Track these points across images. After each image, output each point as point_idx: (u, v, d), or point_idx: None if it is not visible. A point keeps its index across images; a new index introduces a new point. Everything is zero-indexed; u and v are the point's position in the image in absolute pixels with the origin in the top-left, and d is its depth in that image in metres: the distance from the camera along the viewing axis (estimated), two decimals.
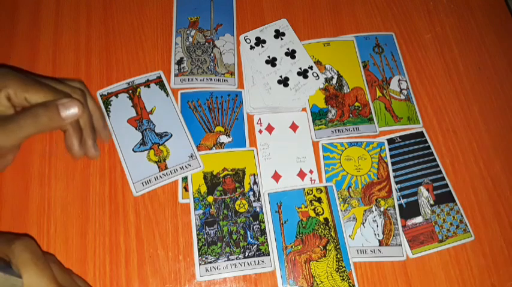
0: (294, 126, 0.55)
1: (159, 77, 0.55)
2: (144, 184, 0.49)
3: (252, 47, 0.57)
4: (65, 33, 0.57)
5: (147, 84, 0.54)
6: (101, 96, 0.53)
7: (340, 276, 0.47)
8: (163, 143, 0.51)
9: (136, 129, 0.52)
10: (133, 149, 0.51)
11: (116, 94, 0.53)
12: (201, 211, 0.49)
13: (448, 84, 0.60)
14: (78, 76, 0.55)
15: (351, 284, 0.47)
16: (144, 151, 0.51)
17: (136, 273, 0.46)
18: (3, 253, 0.37)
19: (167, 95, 0.54)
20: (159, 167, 0.50)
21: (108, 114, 0.52)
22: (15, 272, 0.36)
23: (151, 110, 0.53)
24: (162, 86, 0.54)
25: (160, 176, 0.50)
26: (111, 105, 0.53)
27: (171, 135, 0.52)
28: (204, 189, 0.50)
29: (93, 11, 0.59)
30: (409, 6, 0.64)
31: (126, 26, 0.59)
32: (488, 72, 0.61)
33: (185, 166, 0.50)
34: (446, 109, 0.58)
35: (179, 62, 0.56)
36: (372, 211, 0.51)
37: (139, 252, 0.48)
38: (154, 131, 0.52)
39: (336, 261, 0.47)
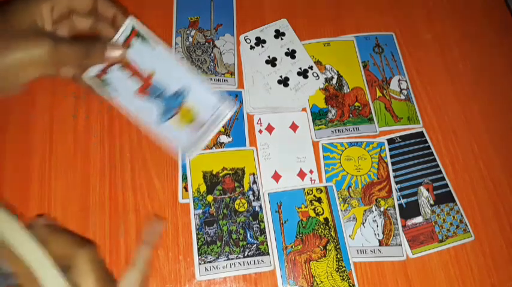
0: (294, 126, 0.55)
1: (134, 29, 0.45)
2: (192, 147, 0.46)
3: (252, 47, 0.57)
4: None
5: (127, 44, 0.44)
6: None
7: (340, 276, 0.47)
8: (185, 101, 0.46)
9: (149, 98, 0.45)
10: (161, 121, 0.46)
11: (105, 70, 0.45)
12: (200, 211, 0.49)
13: (448, 84, 0.60)
14: None
15: (351, 284, 0.47)
16: (171, 117, 0.46)
17: None
18: (65, 253, 0.37)
19: (153, 48, 0.45)
20: (195, 126, 0.46)
21: (113, 96, 0.45)
22: (71, 279, 0.36)
23: (150, 74, 0.45)
24: (143, 39, 0.45)
25: (202, 134, 0.46)
26: (109, 85, 0.45)
27: (187, 89, 0.46)
28: (203, 188, 0.50)
29: None
30: (409, 6, 0.64)
31: None
32: (488, 72, 0.61)
33: (218, 113, 0.46)
34: (446, 109, 0.58)
35: None
36: (372, 211, 0.51)
37: None
38: (167, 94, 0.46)
39: (336, 261, 0.47)
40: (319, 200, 0.50)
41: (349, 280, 0.47)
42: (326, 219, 0.49)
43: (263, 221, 0.49)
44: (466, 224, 0.52)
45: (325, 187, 0.51)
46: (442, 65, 0.61)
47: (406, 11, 0.64)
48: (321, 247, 0.48)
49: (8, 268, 0.35)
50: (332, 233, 0.49)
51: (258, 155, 0.52)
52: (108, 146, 0.52)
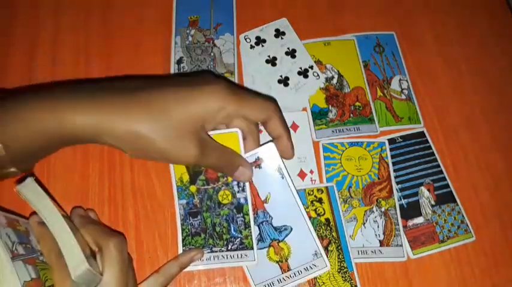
0: (294, 126, 0.55)
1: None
2: (267, 286, 0.46)
3: (252, 47, 0.56)
4: (64, 32, 0.57)
5: (257, 164, 0.46)
6: None
7: (342, 277, 0.47)
8: (284, 239, 0.46)
9: (254, 221, 0.47)
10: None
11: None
12: (184, 201, 0.47)
13: (449, 84, 0.60)
14: (77, 76, 0.54)
15: (353, 285, 0.46)
16: (263, 248, 0.46)
17: (136, 274, 0.46)
18: (96, 241, 0.39)
19: (283, 176, 0.46)
20: (281, 268, 0.46)
21: None
22: (96, 265, 0.37)
23: (266, 198, 0.47)
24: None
25: (283, 279, 0.45)
26: None
27: (291, 229, 0.46)
28: (186, 178, 0.47)
29: (92, 10, 0.59)
30: (410, 6, 0.64)
31: (126, 25, 0.58)
32: (489, 72, 0.61)
33: (309, 267, 0.45)
34: (447, 109, 0.58)
35: (179, 61, 0.55)
36: (373, 211, 0.51)
37: (138, 253, 0.47)
38: (271, 224, 0.47)
39: (338, 262, 0.47)
40: (320, 200, 0.50)
41: (351, 281, 0.47)
42: (327, 220, 0.49)
43: (248, 214, 0.46)
44: (467, 225, 0.52)
45: (326, 187, 0.51)
46: (443, 65, 0.61)
47: (406, 11, 0.64)
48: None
49: (37, 245, 0.38)
50: (334, 234, 0.48)
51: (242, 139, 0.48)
52: (107, 147, 0.51)
